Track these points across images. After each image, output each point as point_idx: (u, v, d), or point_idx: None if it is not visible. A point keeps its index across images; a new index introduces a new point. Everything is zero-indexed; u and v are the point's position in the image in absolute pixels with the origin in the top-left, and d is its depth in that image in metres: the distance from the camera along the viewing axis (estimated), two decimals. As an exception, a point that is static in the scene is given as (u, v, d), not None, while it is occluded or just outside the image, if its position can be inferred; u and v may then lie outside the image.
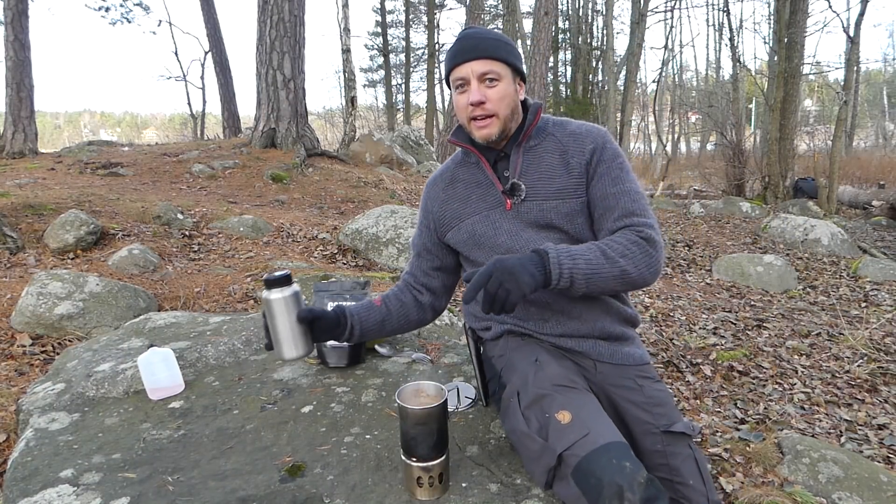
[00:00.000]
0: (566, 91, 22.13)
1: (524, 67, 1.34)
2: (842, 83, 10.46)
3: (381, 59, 25.41)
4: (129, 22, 15.36)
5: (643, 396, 1.29)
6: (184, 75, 16.69)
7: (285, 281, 1.21)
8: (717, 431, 2.31)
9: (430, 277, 1.47)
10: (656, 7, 14.47)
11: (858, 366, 3.07)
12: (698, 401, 2.69)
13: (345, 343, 1.67)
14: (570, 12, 21.96)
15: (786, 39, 9.79)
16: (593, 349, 1.34)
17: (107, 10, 14.89)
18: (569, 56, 22.73)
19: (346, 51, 9.29)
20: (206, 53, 15.16)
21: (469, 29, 1.33)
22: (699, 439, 2.19)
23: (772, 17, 15.97)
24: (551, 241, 1.28)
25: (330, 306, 1.70)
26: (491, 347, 1.45)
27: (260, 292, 3.39)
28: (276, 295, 1.20)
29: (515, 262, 1.13)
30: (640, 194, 1.29)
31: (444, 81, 1.37)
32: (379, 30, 24.87)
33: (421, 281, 1.48)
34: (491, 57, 1.26)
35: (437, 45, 21.33)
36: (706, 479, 1.22)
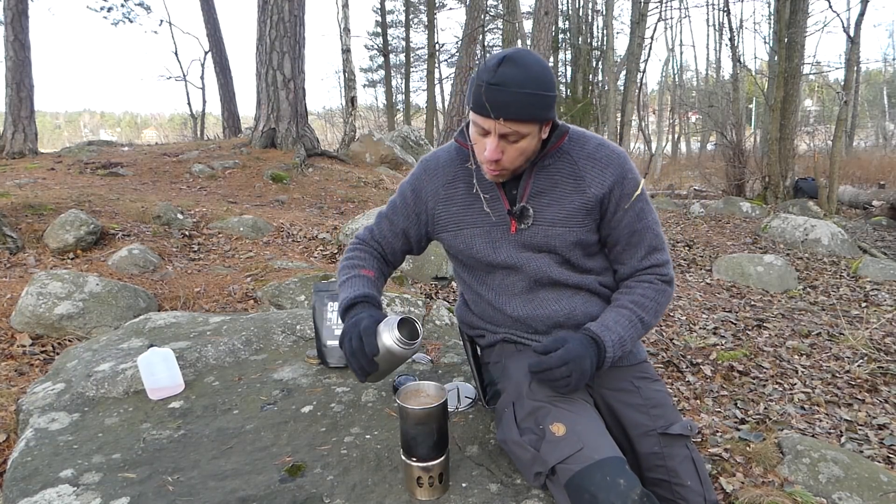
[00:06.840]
0: (566, 91, 22.10)
1: (553, 110, 1.19)
2: (842, 83, 10.44)
3: (381, 59, 25.39)
4: (131, 22, 15.37)
5: (640, 398, 1.29)
6: (184, 75, 16.65)
7: (414, 336, 1.19)
8: (718, 431, 2.31)
9: (396, 256, 1.45)
10: (656, 6, 14.40)
11: (858, 366, 3.07)
12: (698, 401, 2.69)
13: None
14: (570, 12, 21.96)
15: (786, 39, 9.77)
16: None
17: (108, 10, 14.90)
18: (569, 56, 22.74)
19: (346, 51, 9.28)
20: (206, 53, 15.13)
21: (506, 67, 1.09)
22: (698, 439, 2.19)
23: (772, 17, 15.97)
24: (548, 262, 1.28)
25: (330, 306, 1.71)
26: (487, 354, 1.45)
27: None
28: (405, 349, 1.18)
29: (585, 357, 1.17)
30: (658, 224, 1.32)
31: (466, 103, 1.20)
32: (379, 30, 24.85)
33: (387, 254, 1.45)
34: (519, 119, 1.11)
35: (436, 45, 21.30)
36: (704, 479, 1.22)
